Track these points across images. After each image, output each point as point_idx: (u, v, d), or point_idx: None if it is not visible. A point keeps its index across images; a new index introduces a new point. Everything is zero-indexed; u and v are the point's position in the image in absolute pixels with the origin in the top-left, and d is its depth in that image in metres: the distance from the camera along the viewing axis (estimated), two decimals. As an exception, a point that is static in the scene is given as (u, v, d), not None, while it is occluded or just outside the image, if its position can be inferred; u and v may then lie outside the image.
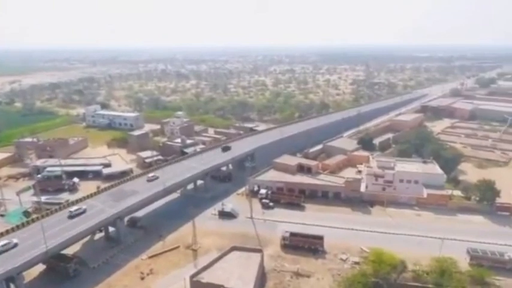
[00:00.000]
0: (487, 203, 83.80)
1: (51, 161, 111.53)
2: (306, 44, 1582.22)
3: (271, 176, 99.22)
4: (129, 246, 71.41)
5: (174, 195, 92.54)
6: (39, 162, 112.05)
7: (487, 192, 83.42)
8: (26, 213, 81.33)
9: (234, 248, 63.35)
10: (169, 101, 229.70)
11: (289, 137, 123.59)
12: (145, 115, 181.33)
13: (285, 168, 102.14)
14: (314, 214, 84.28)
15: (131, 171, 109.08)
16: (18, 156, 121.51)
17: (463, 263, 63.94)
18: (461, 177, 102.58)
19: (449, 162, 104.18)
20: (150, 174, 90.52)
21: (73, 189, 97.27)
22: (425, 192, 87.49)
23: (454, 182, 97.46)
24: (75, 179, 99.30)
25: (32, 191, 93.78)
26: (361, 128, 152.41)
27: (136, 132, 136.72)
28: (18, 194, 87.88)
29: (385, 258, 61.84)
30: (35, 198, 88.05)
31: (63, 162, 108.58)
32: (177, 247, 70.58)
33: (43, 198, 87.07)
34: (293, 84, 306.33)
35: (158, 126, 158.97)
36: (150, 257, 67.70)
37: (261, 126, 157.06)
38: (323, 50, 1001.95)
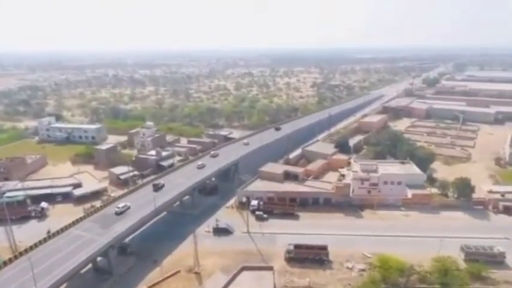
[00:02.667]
0: (465, 199, 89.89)
1: (10, 184, 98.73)
2: (254, 47, 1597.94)
3: (259, 186, 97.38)
4: (122, 277, 65.06)
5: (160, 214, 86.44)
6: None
7: (464, 189, 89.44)
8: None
9: (243, 268, 60.61)
10: (129, 110, 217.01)
11: (271, 143, 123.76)
12: (106, 126, 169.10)
13: (271, 177, 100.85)
14: (309, 222, 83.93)
15: (105, 190, 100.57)
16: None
17: (459, 260, 67.32)
18: (433, 175, 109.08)
19: (423, 161, 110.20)
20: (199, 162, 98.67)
21: (42, 215, 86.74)
22: (410, 192, 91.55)
23: (430, 180, 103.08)
24: (44, 204, 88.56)
25: None
26: (332, 130, 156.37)
27: (104, 146, 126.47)
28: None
29: (392, 263, 63.28)
30: None
31: (25, 184, 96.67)
32: (178, 272, 65.77)
33: None
34: (255, 88, 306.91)
35: (123, 138, 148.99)
36: (150, 287, 62.18)
37: (234, 134, 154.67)
38: (272, 52, 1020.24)
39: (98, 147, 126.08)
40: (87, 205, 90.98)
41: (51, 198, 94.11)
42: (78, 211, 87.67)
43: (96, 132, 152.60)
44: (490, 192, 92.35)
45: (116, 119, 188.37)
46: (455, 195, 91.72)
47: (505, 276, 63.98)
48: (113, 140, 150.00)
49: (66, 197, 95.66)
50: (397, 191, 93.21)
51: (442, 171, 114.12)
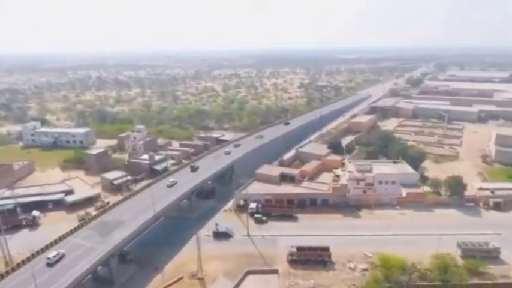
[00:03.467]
0: (457, 196, 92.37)
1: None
2: (239, 47, 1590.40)
3: (257, 188, 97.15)
4: (124, 286, 63.66)
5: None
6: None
7: (457, 187, 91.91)
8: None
9: (248, 272, 60.30)
10: (116, 112, 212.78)
11: (268, 143, 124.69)
12: (94, 130, 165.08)
13: (268, 179, 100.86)
14: (308, 224, 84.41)
15: (98, 196, 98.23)
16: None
17: (456, 257, 68.98)
18: (425, 174, 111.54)
19: (415, 160, 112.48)
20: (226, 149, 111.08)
21: (33, 224, 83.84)
22: (404, 191, 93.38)
23: (422, 178, 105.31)
24: (35, 212, 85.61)
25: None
26: (324, 131, 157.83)
27: (94, 151, 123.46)
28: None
29: (394, 262, 64.38)
30: None
31: (14, 192, 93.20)
32: (181, 278, 64.84)
33: None
34: (243, 89, 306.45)
35: (112, 142, 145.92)
36: (153, 295, 61.19)
37: (226, 136, 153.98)
38: (256, 52, 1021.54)
39: (88, 151, 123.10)
40: (81, 212, 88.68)
41: (42, 205, 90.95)
42: (71, 219, 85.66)
43: (85, 137, 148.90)
44: (481, 189, 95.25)
45: (103, 123, 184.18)
46: (448, 193, 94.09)
47: (501, 270, 66.07)
48: (101, 144, 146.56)
49: (58, 204, 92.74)
50: (392, 190, 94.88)
51: (432, 169, 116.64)
